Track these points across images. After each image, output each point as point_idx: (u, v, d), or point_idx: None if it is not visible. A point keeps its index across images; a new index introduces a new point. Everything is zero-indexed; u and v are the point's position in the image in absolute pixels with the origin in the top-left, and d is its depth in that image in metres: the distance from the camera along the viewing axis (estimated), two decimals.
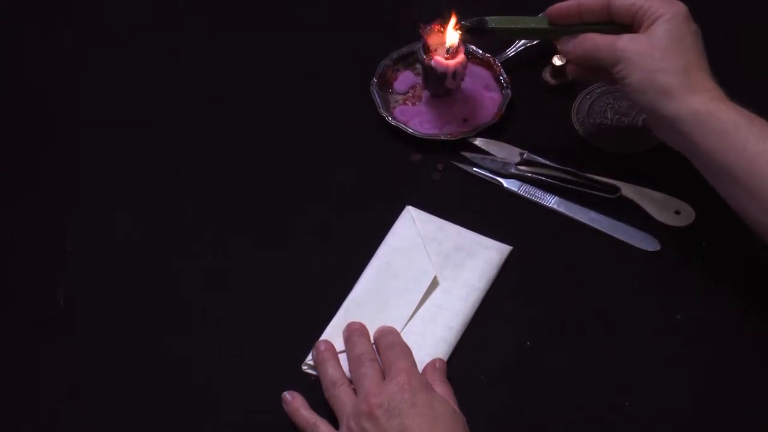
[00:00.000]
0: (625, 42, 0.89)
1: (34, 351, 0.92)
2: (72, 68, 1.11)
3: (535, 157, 1.00)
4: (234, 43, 1.12)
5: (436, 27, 1.00)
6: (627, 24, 0.91)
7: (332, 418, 0.85)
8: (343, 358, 0.89)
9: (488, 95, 1.05)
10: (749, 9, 1.11)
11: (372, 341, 0.90)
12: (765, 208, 0.83)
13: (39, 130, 1.06)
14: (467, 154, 1.01)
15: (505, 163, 1.00)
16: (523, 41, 1.08)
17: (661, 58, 0.87)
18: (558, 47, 0.95)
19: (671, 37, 0.88)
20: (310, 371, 0.89)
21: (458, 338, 0.91)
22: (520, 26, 0.97)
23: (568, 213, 0.97)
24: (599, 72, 0.94)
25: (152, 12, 1.15)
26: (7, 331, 0.93)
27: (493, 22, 0.96)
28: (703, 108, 0.85)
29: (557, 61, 1.03)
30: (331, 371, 0.87)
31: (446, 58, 1.00)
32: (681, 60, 0.87)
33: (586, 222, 0.97)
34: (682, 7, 0.89)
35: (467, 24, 0.96)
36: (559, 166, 0.99)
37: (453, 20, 0.97)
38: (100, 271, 0.96)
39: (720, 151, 0.84)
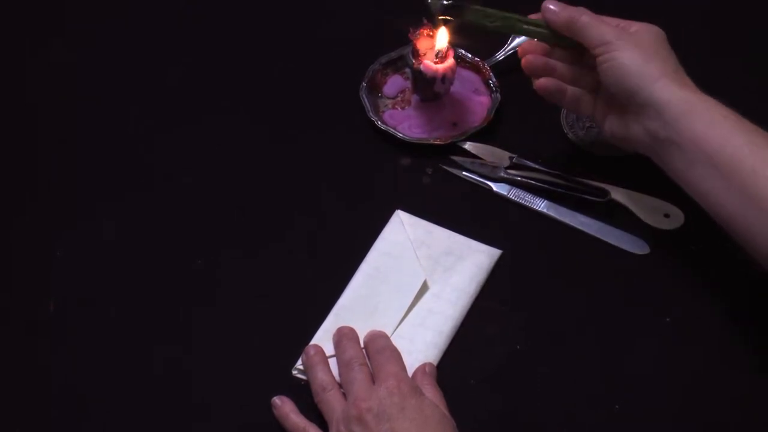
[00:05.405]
0: (616, 33, 0.90)
1: (24, 358, 0.91)
2: (62, 77, 1.10)
3: (525, 160, 1.00)
4: (222, 48, 1.12)
5: (425, 31, 1.00)
6: None
7: (322, 423, 0.85)
8: (332, 363, 0.89)
9: (477, 99, 1.05)
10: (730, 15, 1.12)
11: (362, 346, 0.89)
12: (742, 200, 0.83)
13: (29, 139, 1.06)
14: (457, 158, 1.01)
15: (495, 167, 1.00)
16: (512, 45, 1.08)
17: (654, 53, 0.89)
18: (543, 5, 0.92)
19: (656, 43, 0.90)
20: (299, 376, 0.89)
21: (448, 342, 0.91)
22: (498, 14, 0.95)
23: (557, 217, 0.97)
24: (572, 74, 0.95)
25: (143, 21, 1.14)
26: None
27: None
28: (693, 97, 0.87)
29: None
30: (320, 376, 0.87)
31: (435, 62, 1.00)
32: (666, 64, 0.89)
33: (576, 225, 0.97)
34: (660, 30, 0.91)
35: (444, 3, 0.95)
36: (549, 170, 0.99)
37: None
38: (91, 277, 0.96)
39: (706, 139, 0.85)
